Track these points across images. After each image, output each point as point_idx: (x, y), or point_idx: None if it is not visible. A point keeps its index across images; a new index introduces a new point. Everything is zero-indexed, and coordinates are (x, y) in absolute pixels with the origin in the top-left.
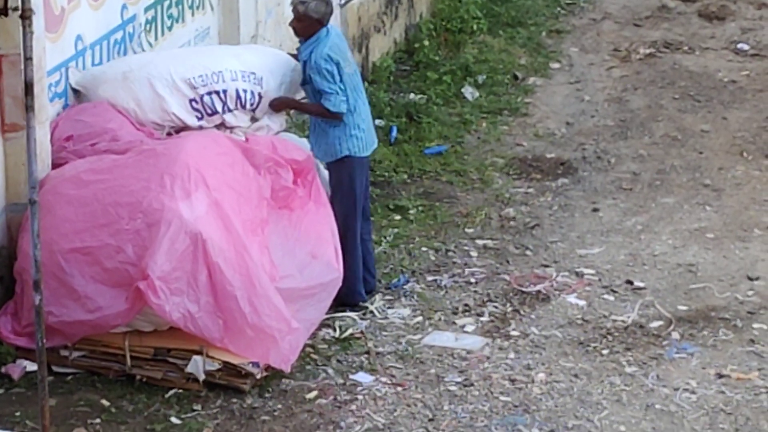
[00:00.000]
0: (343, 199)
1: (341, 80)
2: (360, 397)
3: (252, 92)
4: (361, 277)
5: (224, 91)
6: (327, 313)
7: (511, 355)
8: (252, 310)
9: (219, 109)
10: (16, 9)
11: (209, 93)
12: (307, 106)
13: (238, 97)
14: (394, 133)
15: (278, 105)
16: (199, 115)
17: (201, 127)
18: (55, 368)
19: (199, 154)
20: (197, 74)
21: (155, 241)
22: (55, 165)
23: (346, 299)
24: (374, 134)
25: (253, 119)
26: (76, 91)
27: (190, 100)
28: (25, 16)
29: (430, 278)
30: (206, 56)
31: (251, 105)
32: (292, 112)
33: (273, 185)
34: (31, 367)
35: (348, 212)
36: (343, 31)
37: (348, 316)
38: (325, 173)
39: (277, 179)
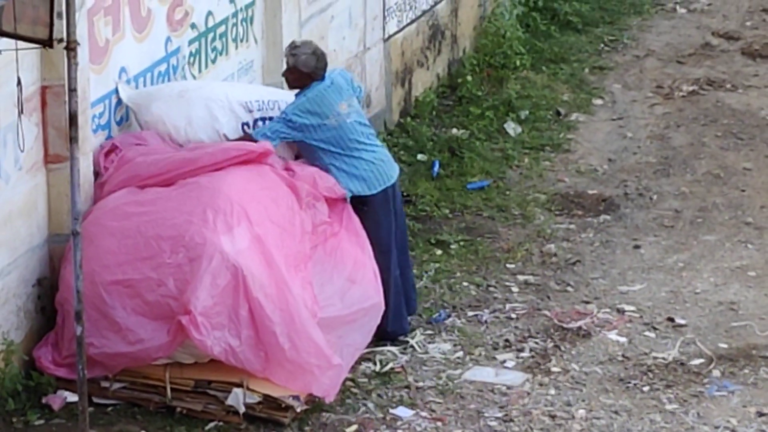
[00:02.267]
0: (375, 243)
1: (321, 131)
2: (400, 431)
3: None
4: (404, 312)
5: None
6: (368, 348)
7: (552, 391)
8: (291, 346)
9: None
10: (61, 41)
11: (263, 118)
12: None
13: None
14: (437, 167)
15: None
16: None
17: None
18: (95, 399)
19: (242, 188)
20: (254, 99)
21: (197, 275)
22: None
23: (387, 334)
24: (389, 169)
25: (297, 157)
26: (120, 121)
27: (243, 124)
28: (70, 47)
29: (470, 313)
30: (262, 88)
31: None
32: None
33: (313, 220)
34: (72, 397)
35: (383, 253)
36: (385, 65)
37: (388, 350)
38: None
39: (315, 213)
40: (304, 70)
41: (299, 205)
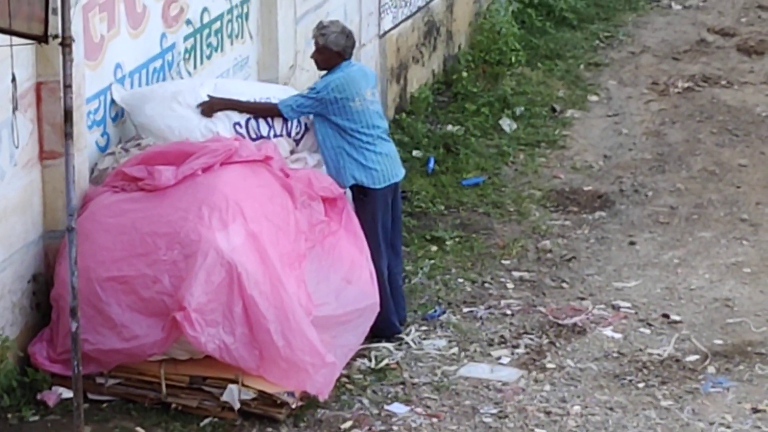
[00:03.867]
0: (368, 237)
1: (345, 111)
2: (395, 427)
3: (299, 121)
4: (394, 309)
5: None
6: (363, 344)
7: (547, 388)
8: (285, 343)
9: (265, 133)
10: (56, 37)
11: (257, 117)
12: (248, 104)
13: (285, 122)
14: (432, 164)
15: (213, 106)
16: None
17: None
18: (90, 395)
19: (238, 186)
20: (245, 98)
21: (192, 272)
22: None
23: (380, 331)
24: (396, 167)
25: (292, 152)
26: (114, 118)
27: (234, 123)
28: (65, 43)
29: (466, 309)
30: (255, 85)
31: (297, 134)
32: None
33: (309, 219)
34: (67, 394)
35: (373, 249)
36: (381, 62)
37: (384, 347)
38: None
39: (311, 213)
40: (334, 48)
41: (294, 204)
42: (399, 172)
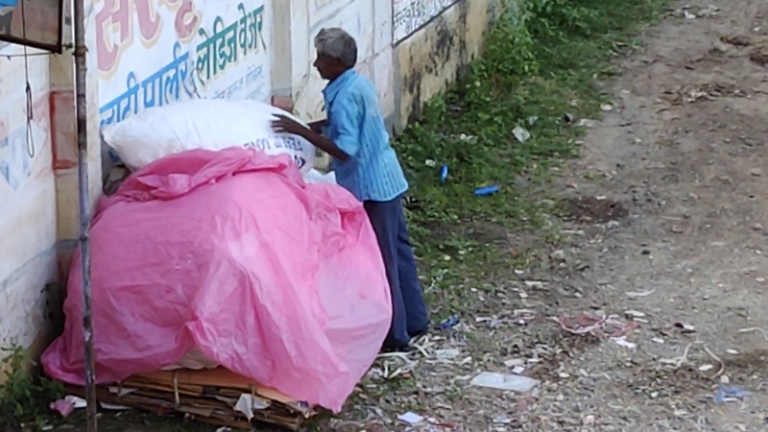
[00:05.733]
0: (380, 248)
1: (362, 122)
2: None
3: (296, 156)
4: (404, 319)
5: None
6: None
7: (560, 397)
8: (298, 353)
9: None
10: (69, 46)
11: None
12: (315, 137)
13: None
14: (445, 173)
15: (288, 125)
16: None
17: None
18: (103, 405)
19: (251, 196)
20: (243, 143)
21: (204, 281)
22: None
23: (390, 342)
24: (400, 177)
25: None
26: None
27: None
28: (79, 53)
29: (479, 319)
30: (246, 122)
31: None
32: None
33: (324, 231)
34: (80, 403)
35: (385, 258)
36: (394, 71)
37: (397, 356)
38: None
39: (327, 224)
40: (333, 54)
41: (309, 215)
42: (403, 182)
